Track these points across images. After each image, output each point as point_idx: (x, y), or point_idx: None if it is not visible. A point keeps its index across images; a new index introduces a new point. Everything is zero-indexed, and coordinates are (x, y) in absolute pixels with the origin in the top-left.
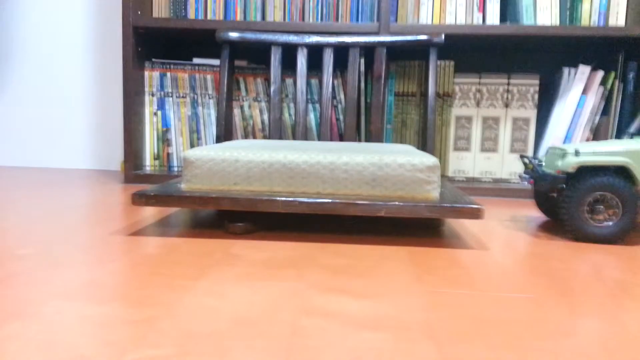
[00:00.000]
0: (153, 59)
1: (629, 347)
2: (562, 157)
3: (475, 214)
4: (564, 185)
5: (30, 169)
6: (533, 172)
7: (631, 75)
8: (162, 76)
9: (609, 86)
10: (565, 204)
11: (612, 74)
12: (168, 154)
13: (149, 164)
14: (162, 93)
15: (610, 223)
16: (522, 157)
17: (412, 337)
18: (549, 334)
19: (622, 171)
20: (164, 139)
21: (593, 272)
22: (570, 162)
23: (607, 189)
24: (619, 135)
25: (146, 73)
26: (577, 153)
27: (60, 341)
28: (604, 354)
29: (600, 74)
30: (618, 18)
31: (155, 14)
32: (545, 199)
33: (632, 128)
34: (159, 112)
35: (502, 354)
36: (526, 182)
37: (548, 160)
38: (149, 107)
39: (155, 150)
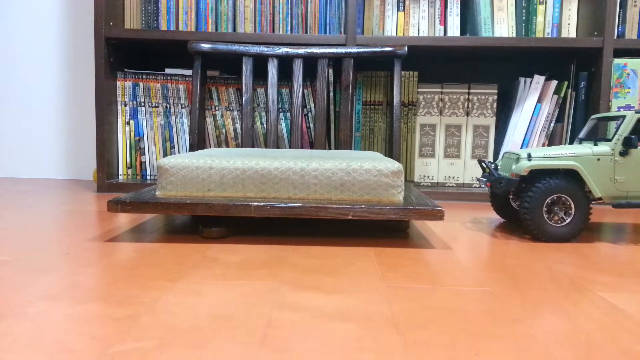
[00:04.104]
0: (125, 69)
1: (573, 333)
2: (516, 161)
3: (437, 215)
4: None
5: (1, 180)
6: (490, 175)
7: (582, 84)
8: (135, 86)
9: (562, 95)
10: (527, 204)
11: (565, 84)
12: (141, 163)
13: (122, 172)
14: (135, 103)
15: (565, 223)
16: (480, 161)
17: (376, 326)
18: (502, 322)
19: (571, 174)
20: (137, 148)
21: (545, 267)
22: (523, 166)
23: (562, 191)
24: (572, 140)
25: (118, 83)
26: (529, 157)
27: (48, 337)
28: (551, 338)
29: (554, 83)
30: (570, 30)
31: (127, 25)
32: (500, 201)
33: (581, 134)
34: (132, 122)
35: (458, 339)
36: (483, 185)
37: (503, 165)
38: (122, 116)
39: (129, 159)
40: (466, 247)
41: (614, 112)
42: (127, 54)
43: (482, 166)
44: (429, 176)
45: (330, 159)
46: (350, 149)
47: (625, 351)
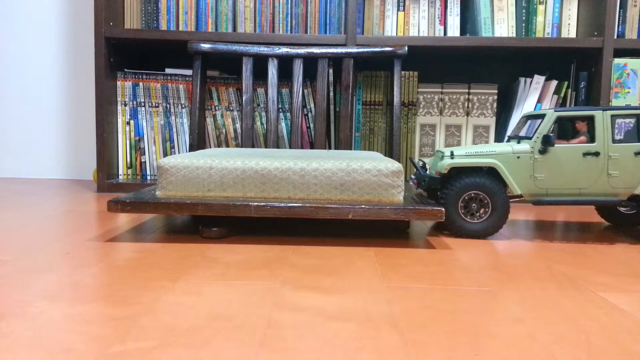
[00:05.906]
0: (125, 69)
1: (573, 333)
2: (440, 159)
3: (437, 215)
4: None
5: (0, 180)
6: (417, 173)
7: (582, 84)
8: (135, 86)
9: (562, 95)
10: (443, 201)
11: (565, 84)
12: (141, 163)
13: (122, 172)
14: (135, 103)
15: (482, 219)
16: (411, 160)
17: (376, 326)
18: (502, 321)
19: (494, 172)
20: (137, 148)
21: (545, 267)
22: (445, 164)
23: (477, 188)
24: None
25: (118, 83)
26: (452, 155)
27: (47, 337)
28: (551, 338)
29: (554, 83)
30: (570, 30)
31: (127, 25)
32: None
33: (512, 132)
34: (132, 122)
35: (458, 339)
36: (411, 183)
37: (433, 162)
38: (122, 116)
39: (129, 159)
40: (466, 247)
41: (539, 110)
42: (127, 54)
43: (413, 164)
44: None
45: (330, 159)
46: (350, 149)
47: (625, 351)
